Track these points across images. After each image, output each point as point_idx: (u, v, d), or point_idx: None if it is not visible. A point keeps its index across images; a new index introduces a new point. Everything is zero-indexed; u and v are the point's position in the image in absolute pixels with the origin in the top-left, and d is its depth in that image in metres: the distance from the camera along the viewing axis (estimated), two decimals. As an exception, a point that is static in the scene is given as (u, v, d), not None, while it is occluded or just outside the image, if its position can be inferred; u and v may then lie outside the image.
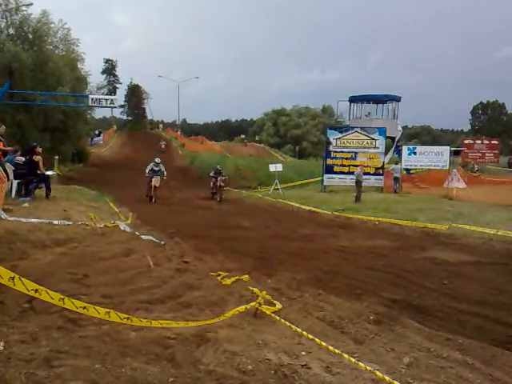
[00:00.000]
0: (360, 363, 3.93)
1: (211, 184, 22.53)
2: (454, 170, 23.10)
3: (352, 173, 23.86)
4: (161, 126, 73.29)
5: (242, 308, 5.10)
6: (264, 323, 5.17)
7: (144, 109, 77.79)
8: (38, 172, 13.74)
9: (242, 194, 24.70)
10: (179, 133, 63.85)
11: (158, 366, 3.88)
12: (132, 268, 7.23)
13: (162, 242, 9.79)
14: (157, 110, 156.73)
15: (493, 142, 34.17)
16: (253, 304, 5.27)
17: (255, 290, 6.04)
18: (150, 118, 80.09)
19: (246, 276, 7.03)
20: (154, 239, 9.99)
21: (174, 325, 4.57)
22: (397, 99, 39.07)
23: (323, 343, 4.33)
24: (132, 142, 50.56)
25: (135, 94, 75.48)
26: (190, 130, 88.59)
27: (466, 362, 4.44)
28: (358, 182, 20.56)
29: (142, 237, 10.08)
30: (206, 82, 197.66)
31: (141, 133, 63.53)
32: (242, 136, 67.47)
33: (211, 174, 22.92)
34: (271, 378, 3.83)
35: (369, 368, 3.81)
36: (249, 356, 4.18)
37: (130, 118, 77.63)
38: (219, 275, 7.09)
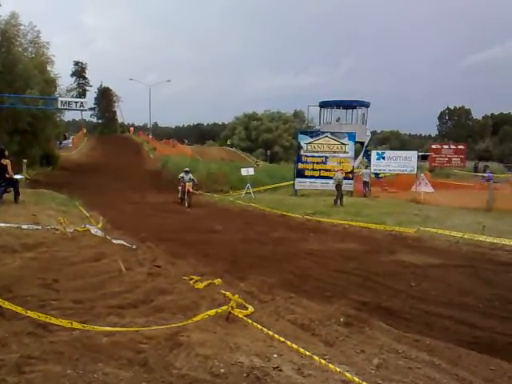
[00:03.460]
0: (330, 365, 4.00)
1: (179, 188, 21.40)
2: (422, 175, 23.59)
3: (323, 177, 24.23)
4: (132, 129, 72.69)
5: (212, 312, 5.13)
6: (236, 327, 5.21)
7: (114, 112, 77.18)
8: (7, 176, 13.51)
9: (213, 197, 24.67)
10: (150, 136, 63.36)
11: (131, 370, 3.88)
12: (103, 273, 7.19)
13: (134, 247, 9.74)
14: (128, 112, 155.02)
15: (459, 146, 34.94)
16: (225, 308, 5.31)
17: (227, 293, 6.07)
18: (120, 121, 79.42)
19: (219, 280, 7.05)
20: (126, 243, 9.93)
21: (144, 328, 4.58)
22: (365, 105, 39.68)
23: (294, 346, 4.39)
24: (102, 146, 49.95)
25: (105, 97, 74.80)
26: (162, 134, 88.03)
27: (434, 362, 4.55)
28: (338, 186, 20.74)
29: (113, 241, 10.01)
30: (179, 85, 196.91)
31: (111, 136, 62.92)
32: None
33: (180, 176, 21.60)
34: (244, 380, 3.87)
35: (339, 370, 3.88)
36: (221, 359, 4.21)
37: (100, 121, 76.81)
38: (191, 279, 7.09)
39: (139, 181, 30.38)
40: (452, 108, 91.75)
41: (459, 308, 6.43)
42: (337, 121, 38.59)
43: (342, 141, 24.81)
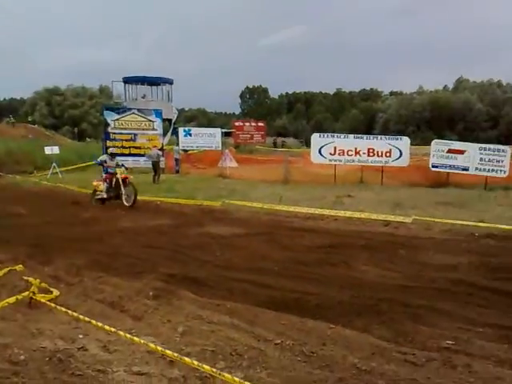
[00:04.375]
0: (135, 338, 4.13)
1: (105, 180, 14.47)
2: (226, 151, 24.84)
3: (133, 154, 24.09)
4: None
5: (12, 299, 4.91)
6: (40, 312, 5.08)
7: None
8: None
9: (16, 179, 22.71)
10: None
11: None
12: None
13: None
14: None
15: (259, 124, 37.12)
16: (26, 294, 5.10)
17: (30, 279, 5.81)
18: None
19: (20, 266, 6.67)
20: None
21: None
22: (170, 82, 40.03)
23: (100, 324, 4.43)
24: None
25: None
26: None
27: (233, 323, 4.97)
28: (156, 163, 20.68)
29: None
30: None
31: None
32: (10, 117, 61.40)
33: (101, 161, 15.03)
34: (46, 365, 3.83)
35: (143, 341, 4.04)
36: (21, 346, 4.09)
37: None
38: (-13, 268, 6.60)
39: None
40: (251, 87, 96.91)
41: (258, 272, 6.98)
42: (142, 97, 38.25)
43: (150, 118, 24.78)
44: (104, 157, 15.16)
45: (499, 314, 5.26)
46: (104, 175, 14.45)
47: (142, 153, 23.74)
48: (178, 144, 26.46)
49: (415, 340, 4.56)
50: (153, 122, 24.75)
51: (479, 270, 7.04)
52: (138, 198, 13.95)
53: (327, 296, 5.82)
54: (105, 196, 14.23)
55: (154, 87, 39.77)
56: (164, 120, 28.00)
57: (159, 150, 23.14)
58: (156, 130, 24.87)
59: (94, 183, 14.74)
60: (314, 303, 5.58)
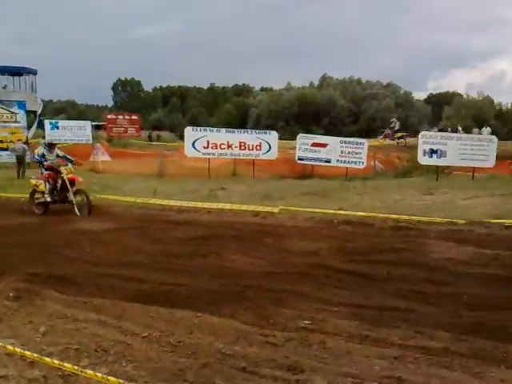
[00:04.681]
0: (-10, 341, 3.95)
1: (47, 180, 11.65)
2: (98, 144, 24.16)
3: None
4: None
5: None
6: None
7: None
8: None
9: None
10: None
11: None
12: None
13: None
14: None
15: (133, 117, 36.55)
16: None
17: None
18: None
19: None
20: None
21: None
22: (33, 72, 38.01)
23: None
24: None
25: None
26: None
27: (100, 320, 4.90)
28: (21, 158, 19.43)
29: None
30: None
31: None
32: None
33: (38, 156, 12.01)
34: None
35: (0, 344, 3.87)
36: None
37: None
38: None
39: None
40: (124, 79, 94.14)
41: (128, 266, 6.95)
42: (3, 88, 35.83)
43: (12, 110, 23.38)
44: (41, 149, 12.11)
45: (352, 294, 5.76)
46: (45, 172, 11.77)
47: (5, 146, 22.40)
48: (44, 137, 25.09)
49: (276, 322, 4.86)
50: (15, 113, 23.31)
51: (337, 254, 7.63)
52: (3, 195, 12.94)
53: (197, 286, 5.96)
54: (48, 199, 11.63)
55: (17, 77, 37.44)
56: (29, 112, 26.43)
57: (24, 143, 21.77)
58: (19, 122, 23.46)
59: (33, 181, 11.96)
60: (183, 294, 5.67)
